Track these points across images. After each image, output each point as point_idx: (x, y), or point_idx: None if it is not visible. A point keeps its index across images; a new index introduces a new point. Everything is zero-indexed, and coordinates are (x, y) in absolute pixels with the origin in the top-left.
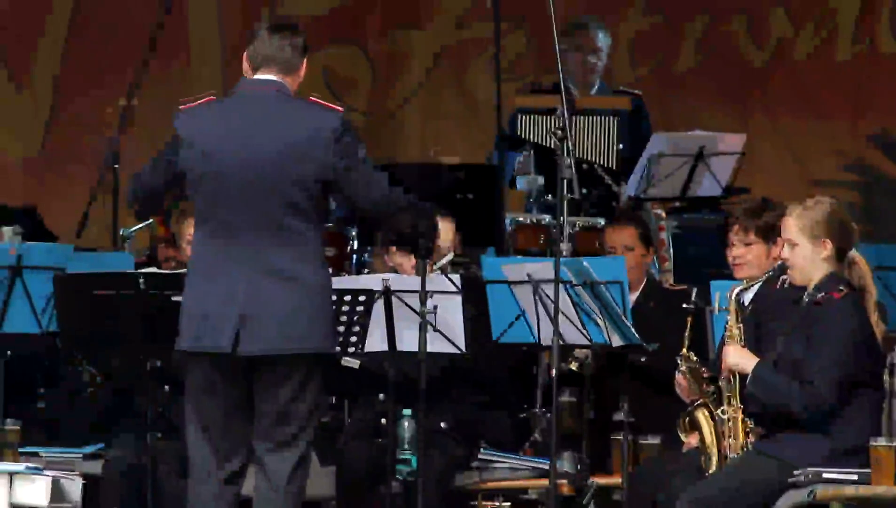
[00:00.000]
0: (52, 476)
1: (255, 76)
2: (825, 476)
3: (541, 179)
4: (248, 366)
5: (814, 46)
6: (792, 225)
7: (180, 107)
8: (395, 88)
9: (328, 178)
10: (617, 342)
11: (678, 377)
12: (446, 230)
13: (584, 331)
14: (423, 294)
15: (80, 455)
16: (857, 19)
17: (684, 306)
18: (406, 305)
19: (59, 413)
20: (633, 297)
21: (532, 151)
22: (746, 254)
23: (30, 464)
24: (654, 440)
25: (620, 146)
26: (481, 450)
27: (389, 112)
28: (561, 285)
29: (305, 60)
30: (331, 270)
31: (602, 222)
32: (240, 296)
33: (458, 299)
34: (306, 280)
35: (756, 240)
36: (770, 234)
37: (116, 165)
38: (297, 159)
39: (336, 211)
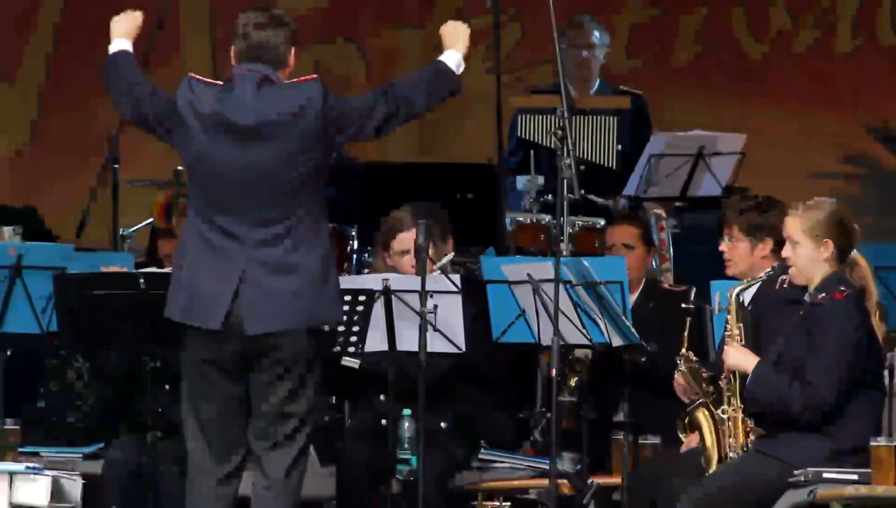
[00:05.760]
0: (52, 476)
1: (243, 68)
2: (825, 476)
3: (541, 179)
4: (245, 363)
5: (814, 39)
6: (794, 225)
7: (191, 74)
8: None
9: (322, 141)
10: (617, 342)
11: (678, 376)
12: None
13: (584, 331)
14: (423, 294)
15: (80, 455)
16: (858, 11)
17: (684, 306)
18: (406, 305)
19: (59, 413)
20: (633, 297)
21: (537, 175)
22: (730, 250)
23: (30, 464)
24: (654, 440)
25: (620, 147)
26: (481, 450)
27: None
28: (561, 285)
29: (294, 51)
30: None
31: (602, 222)
32: (235, 279)
33: (458, 299)
34: (307, 266)
35: (740, 237)
36: (755, 232)
37: (116, 165)
38: (289, 142)
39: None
